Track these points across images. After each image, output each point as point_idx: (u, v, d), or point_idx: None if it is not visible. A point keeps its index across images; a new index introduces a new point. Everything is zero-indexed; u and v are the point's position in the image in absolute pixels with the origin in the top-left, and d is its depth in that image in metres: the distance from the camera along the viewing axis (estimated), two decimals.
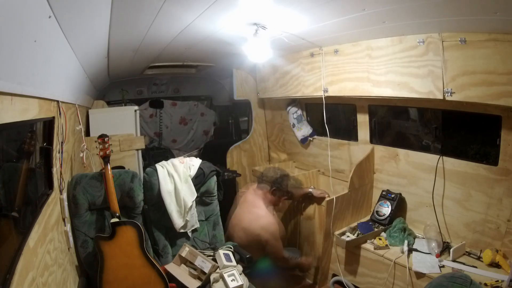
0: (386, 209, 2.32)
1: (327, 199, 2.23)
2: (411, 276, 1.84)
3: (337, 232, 2.22)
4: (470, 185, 1.96)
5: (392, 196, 2.34)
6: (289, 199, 2.34)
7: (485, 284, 1.58)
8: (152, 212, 2.04)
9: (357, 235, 2.17)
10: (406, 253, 1.94)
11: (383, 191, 2.42)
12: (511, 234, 1.77)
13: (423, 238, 2.09)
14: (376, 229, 2.22)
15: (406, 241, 2.04)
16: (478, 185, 1.91)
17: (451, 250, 1.86)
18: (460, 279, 1.24)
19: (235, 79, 3.29)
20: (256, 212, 2.12)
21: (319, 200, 2.32)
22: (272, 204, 2.22)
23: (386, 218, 2.28)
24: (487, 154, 1.93)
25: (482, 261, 1.80)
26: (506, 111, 1.71)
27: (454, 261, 1.84)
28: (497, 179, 1.82)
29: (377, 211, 2.35)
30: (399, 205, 2.32)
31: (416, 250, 1.98)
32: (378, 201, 2.40)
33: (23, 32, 0.80)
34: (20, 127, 1.17)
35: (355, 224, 2.32)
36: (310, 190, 2.39)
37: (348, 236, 2.17)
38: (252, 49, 1.97)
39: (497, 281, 1.60)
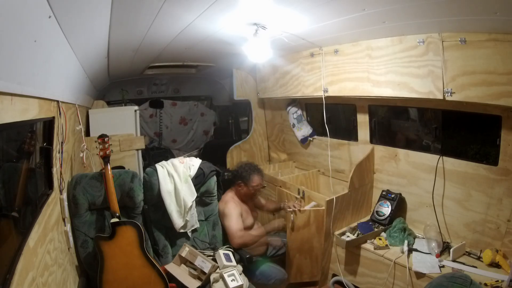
0: (386, 209, 2.31)
1: (327, 199, 2.22)
2: (411, 276, 1.84)
3: (337, 232, 2.22)
4: (470, 185, 1.95)
5: (392, 196, 2.34)
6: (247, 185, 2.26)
7: (485, 284, 1.58)
8: (152, 212, 2.04)
9: (357, 235, 2.17)
10: (406, 253, 1.94)
11: (383, 191, 2.42)
12: (511, 234, 1.77)
13: (423, 238, 2.09)
14: (376, 229, 2.22)
15: (406, 241, 2.03)
16: (478, 185, 1.91)
17: (451, 250, 1.86)
18: (460, 279, 1.24)
19: (235, 79, 3.29)
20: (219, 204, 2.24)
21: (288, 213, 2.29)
22: (245, 197, 2.26)
23: (386, 218, 2.28)
24: (487, 154, 1.93)
25: (482, 261, 1.80)
26: (506, 111, 1.71)
27: (454, 261, 1.84)
28: (497, 179, 1.82)
29: (377, 211, 2.35)
30: (399, 205, 2.32)
31: (416, 250, 1.98)
32: (378, 201, 2.40)
33: (23, 32, 0.80)
34: (20, 127, 1.17)
35: (355, 224, 2.32)
36: (282, 204, 2.42)
37: (348, 236, 2.17)
38: (252, 49, 1.97)
39: (497, 281, 1.60)
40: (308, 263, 2.34)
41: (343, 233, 2.21)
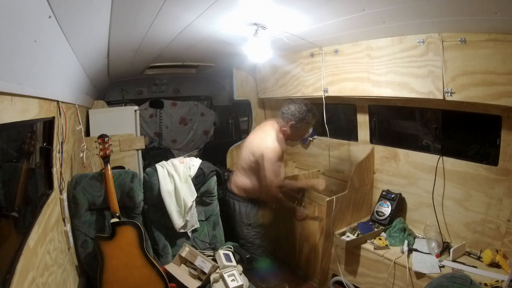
0: (386, 209, 2.31)
1: (327, 199, 2.22)
2: (411, 276, 1.84)
3: (337, 232, 2.22)
4: (470, 185, 1.95)
5: (392, 196, 2.34)
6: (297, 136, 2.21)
7: (485, 284, 1.58)
8: (152, 212, 2.04)
9: (357, 235, 2.17)
10: (406, 253, 1.94)
11: (383, 191, 2.42)
12: (511, 234, 1.77)
13: (423, 238, 2.09)
14: (376, 229, 2.22)
15: (406, 241, 2.04)
16: (478, 185, 1.91)
17: (451, 250, 1.87)
18: (460, 279, 1.24)
19: (235, 79, 3.29)
20: (263, 136, 2.10)
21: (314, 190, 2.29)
22: (288, 138, 2.16)
23: (386, 218, 2.28)
24: (487, 154, 1.93)
25: (482, 261, 1.80)
26: (506, 111, 1.71)
27: (454, 261, 1.84)
28: (497, 179, 1.82)
29: (377, 211, 2.35)
30: (399, 205, 2.32)
31: (416, 250, 1.98)
32: (378, 201, 2.40)
33: (23, 32, 0.80)
34: (20, 127, 1.17)
35: (355, 224, 2.32)
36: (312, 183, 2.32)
37: (348, 236, 2.17)
38: (252, 49, 1.97)
39: (497, 281, 1.60)
40: (312, 256, 2.36)
41: (343, 233, 2.21)
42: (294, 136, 2.17)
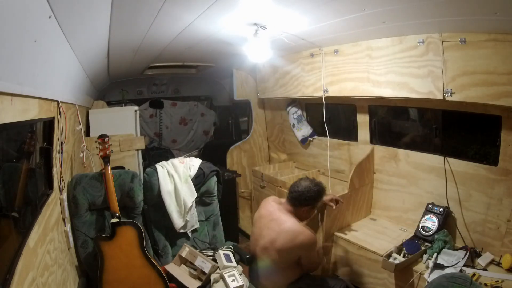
0: (432, 224, 2.08)
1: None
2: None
3: (383, 254, 1.97)
4: (470, 185, 1.95)
5: (440, 210, 2.09)
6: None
7: (485, 284, 1.58)
8: (152, 212, 2.04)
9: (404, 255, 1.94)
10: (429, 270, 1.75)
11: (428, 204, 2.17)
12: (511, 234, 1.77)
13: (457, 249, 1.90)
14: (422, 247, 1.98)
15: (435, 255, 1.85)
16: (478, 185, 1.91)
17: (478, 260, 1.77)
18: (460, 279, 1.24)
19: (235, 79, 3.30)
20: (290, 228, 1.81)
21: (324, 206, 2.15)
22: (301, 219, 1.92)
23: (432, 234, 2.04)
24: (487, 154, 1.92)
25: (501, 266, 1.71)
26: (506, 111, 1.71)
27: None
28: (497, 179, 1.82)
29: (422, 226, 2.11)
30: (446, 219, 2.07)
31: (441, 267, 1.78)
32: (424, 215, 2.16)
33: (23, 32, 0.80)
34: (20, 127, 1.17)
35: (400, 243, 2.06)
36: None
37: (395, 258, 1.91)
38: (252, 49, 1.97)
39: (497, 281, 1.60)
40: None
41: (389, 255, 1.94)
42: (307, 217, 1.98)
